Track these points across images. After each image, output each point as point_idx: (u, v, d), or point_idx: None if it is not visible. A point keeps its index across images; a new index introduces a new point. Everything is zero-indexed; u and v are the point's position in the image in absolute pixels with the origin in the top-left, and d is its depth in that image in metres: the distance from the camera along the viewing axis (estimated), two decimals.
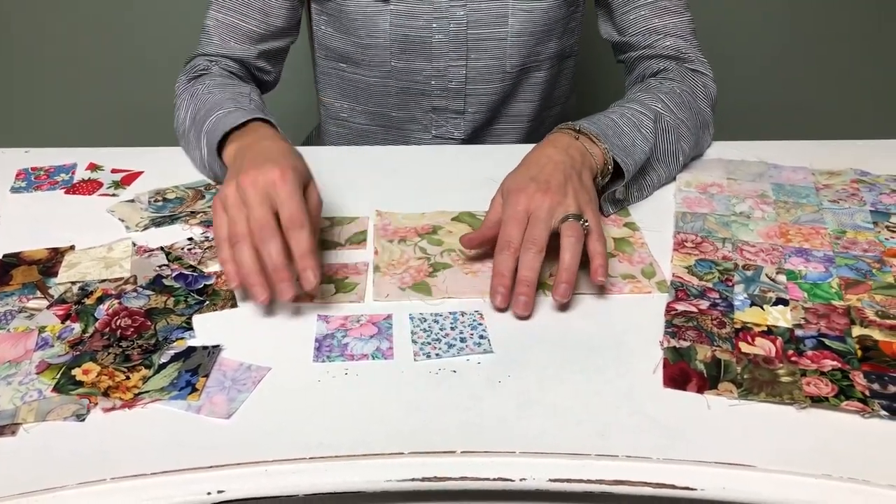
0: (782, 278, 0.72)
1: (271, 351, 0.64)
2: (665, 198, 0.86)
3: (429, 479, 0.53)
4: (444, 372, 0.62)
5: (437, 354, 0.64)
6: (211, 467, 0.53)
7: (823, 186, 0.87)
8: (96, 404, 0.59)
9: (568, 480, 0.53)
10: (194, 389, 0.60)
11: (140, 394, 0.60)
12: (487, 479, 0.53)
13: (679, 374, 0.61)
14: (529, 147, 0.80)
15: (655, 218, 0.82)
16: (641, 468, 0.53)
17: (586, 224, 0.70)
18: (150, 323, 0.67)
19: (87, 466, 0.54)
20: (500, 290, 0.68)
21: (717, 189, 0.87)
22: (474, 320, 0.68)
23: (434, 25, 0.98)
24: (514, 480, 0.53)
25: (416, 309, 0.69)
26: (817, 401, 0.58)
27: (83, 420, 0.58)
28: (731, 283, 0.71)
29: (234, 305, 0.69)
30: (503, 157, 0.90)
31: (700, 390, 0.60)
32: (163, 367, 0.62)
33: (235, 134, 0.81)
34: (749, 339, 0.64)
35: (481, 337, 0.66)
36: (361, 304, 0.70)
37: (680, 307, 0.68)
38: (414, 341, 0.65)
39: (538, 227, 0.70)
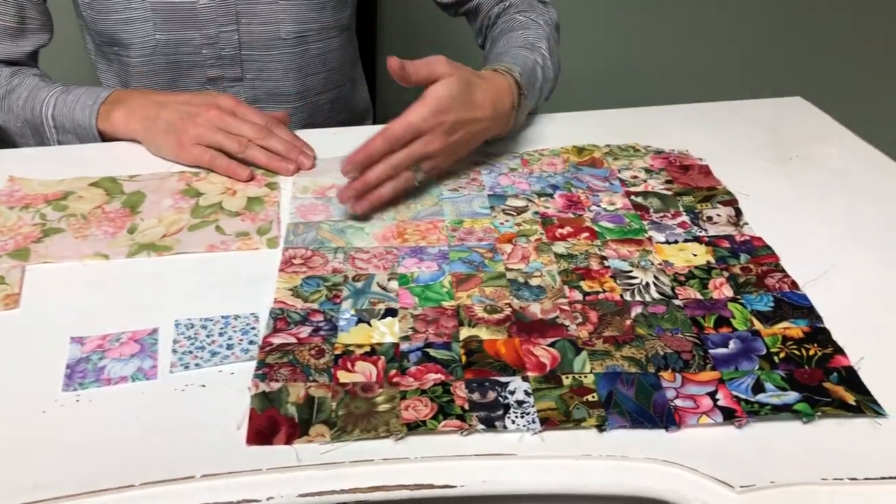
0: (394, 284, 0.67)
1: None
2: None
3: None
4: (192, 388, 0.55)
5: (196, 364, 0.56)
6: None
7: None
8: None
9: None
10: None
11: None
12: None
13: (267, 424, 0.53)
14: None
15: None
16: None
17: None
18: None
19: None
20: None
21: (336, 191, 0.80)
22: (247, 324, 0.60)
23: None
24: (260, 501, 0.48)
25: (182, 315, 0.62)
26: (414, 427, 0.53)
27: None
28: (339, 300, 0.65)
29: None
30: None
31: (289, 440, 0.52)
32: None
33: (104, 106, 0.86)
34: (349, 366, 0.58)
35: (251, 343, 0.58)
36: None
37: (276, 340, 0.60)
38: (174, 350, 0.58)
39: None
